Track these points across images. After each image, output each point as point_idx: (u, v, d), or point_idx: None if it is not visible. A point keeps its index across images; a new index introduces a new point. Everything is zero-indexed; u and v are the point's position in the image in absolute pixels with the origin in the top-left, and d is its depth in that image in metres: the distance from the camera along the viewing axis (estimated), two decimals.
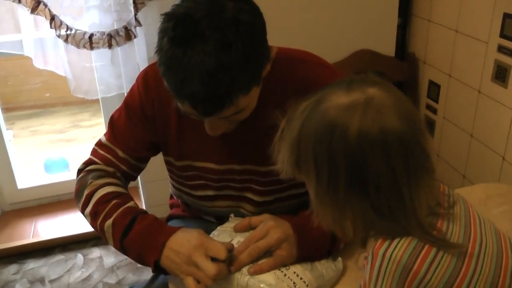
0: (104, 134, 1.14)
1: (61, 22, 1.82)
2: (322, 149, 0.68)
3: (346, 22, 2.03)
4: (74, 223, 2.29)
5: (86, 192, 1.06)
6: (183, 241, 0.94)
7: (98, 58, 1.93)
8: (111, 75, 1.97)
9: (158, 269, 0.97)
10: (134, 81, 1.13)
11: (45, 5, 1.79)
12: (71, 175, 2.53)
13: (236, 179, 1.11)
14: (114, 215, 1.00)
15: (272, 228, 0.96)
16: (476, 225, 0.77)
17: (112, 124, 1.13)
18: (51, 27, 1.81)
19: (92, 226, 1.05)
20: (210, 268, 0.89)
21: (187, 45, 0.81)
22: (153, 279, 1.16)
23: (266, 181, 1.09)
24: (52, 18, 1.80)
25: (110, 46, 1.88)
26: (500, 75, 1.66)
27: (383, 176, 0.67)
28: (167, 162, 1.16)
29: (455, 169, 1.99)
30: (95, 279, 2.06)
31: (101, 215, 1.02)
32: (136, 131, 1.10)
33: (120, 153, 1.10)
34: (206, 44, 0.80)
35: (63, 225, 2.30)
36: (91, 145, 1.16)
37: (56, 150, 3.16)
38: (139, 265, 2.12)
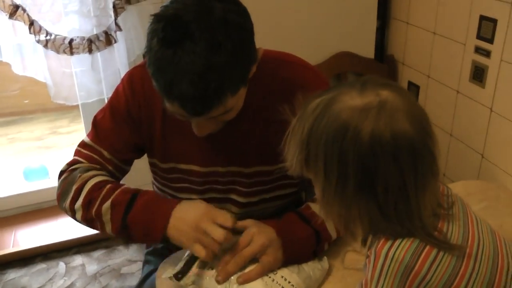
0: (87, 135, 1.12)
1: (41, 27, 1.80)
2: (333, 149, 0.69)
3: (326, 24, 2.05)
4: (55, 231, 2.25)
5: (75, 187, 1.04)
6: (190, 209, 0.96)
7: (78, 63, 1.91)
8: (91, 80, 1.95)
9: (164, 241, 0.98)
10: (114, 87, 1.12)
11: (24, 10, 1.76)
12: (51, 182, 2.49)
13: (220, 181, 1.11)
14: (112, 196, 1.00)
15: (255, 235, 0.96)
16: (474, 225, 0.78)
17: (96, 125, 1.11)
18: (30, 32, 1.79)
19: (83, 219, 1.03)
20: (219, 233, 0.91)
21: (177, 46, 0.81)
22: (140, 284, 1.16)
23: (250, 182, 1.10)
24: (31, 23, 1.78)
25: (90, 51, 1.87)
26: (477, 75, 1.70)
27: (392, 178, 0.68)
28: (151, 164, 1.15)
29: None
30: (78, 287, 2.03)
31: (96, 200, 1.01)
32: (121, 133, 1.09)
33: (105, 153, 1.09)
34: (196, 45, 0.81)
35: (43, 234, 2.26)
36: (70, 152, 1.14)
37: (35, 157, 3.11)
38: (122, 272, 2.10)
